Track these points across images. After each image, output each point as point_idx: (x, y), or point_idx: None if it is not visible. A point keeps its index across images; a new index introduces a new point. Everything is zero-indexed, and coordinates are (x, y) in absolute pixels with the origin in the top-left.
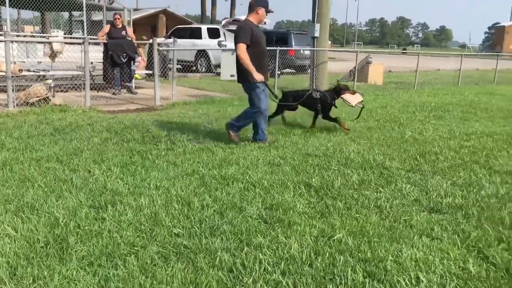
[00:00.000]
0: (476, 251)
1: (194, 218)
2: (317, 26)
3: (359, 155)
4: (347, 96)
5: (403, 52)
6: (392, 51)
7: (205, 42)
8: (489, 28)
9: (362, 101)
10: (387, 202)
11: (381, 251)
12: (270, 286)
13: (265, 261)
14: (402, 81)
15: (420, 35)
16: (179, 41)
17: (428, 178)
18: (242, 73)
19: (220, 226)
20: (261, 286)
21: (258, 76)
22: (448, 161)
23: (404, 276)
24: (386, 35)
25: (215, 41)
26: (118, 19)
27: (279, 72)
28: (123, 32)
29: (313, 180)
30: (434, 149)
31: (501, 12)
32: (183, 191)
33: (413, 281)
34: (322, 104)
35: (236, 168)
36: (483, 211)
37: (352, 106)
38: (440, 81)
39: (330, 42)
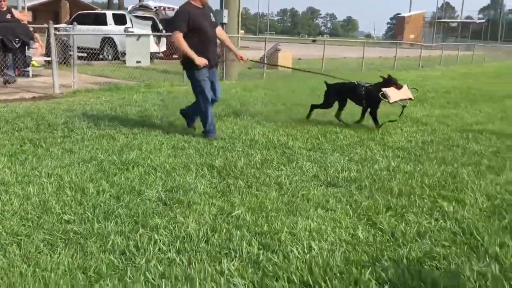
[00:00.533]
0: (366, 219)
1: (87, 204)
2: (225, 12)
3: (263, 137)
4: (388, 90)
5: (313, 41)
6: (302, 39)
7: (111, 28)
8: (391, 19)
9: (407, 99)
10: (287, 179)
11: (277, 224)
12: (164, 264)
13: (160, 241)
14: (311, 68)
15: (329, 25)
16: (82, 27)
17: (328, 155)
18: (183, 62)
19: (115, 210)
20: (154, 265)
21: (200, 61)
22: (347, 139)
23: (297, 246)
24: (297, 25)
25: (122, 27)
26: (2, 1)
27: None
28: (8, 16)
29: (217, 162)
30: (335, 129)
31: (402, 3)
32: (78, 177)
33: (305, 249)
34: (366, 99)
35: (138, 153)
36: (374, 182)
37: (389, 102)
38: (345, 68)
39: (243, 31)
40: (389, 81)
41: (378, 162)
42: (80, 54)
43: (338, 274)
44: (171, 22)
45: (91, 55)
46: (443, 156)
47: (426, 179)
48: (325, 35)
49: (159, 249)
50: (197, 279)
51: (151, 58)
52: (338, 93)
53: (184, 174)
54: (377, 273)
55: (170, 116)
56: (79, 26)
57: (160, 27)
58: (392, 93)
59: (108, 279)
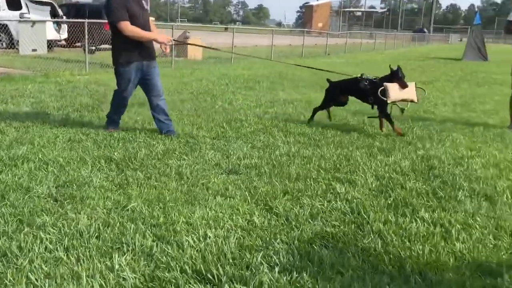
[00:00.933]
0: (263, 204)
1: None
2: None
3: None
4: (390, 87)
5: (225, 29)
6: (214, 27)
7: (4, 14)
8: (301, 7)
9: (409, 100)
10: (189, 168)
11: (174, 214)
12: (50, 264)
13: (47, 239)
14: (221, 55)
15: (241, 13)
16: None
17: (231, 143)
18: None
19: None
20: (38, 265)
21: (163, 38)
22: (251, 127)
23: (193, 235)
24: (209, 12)
25: (16, 13)
26: None
27: (93, 48)
28: None
29: (115, 154)
30: (240, 117)
31: None
32: None
33: (200, 238)
34: (373, 95)
35: (29, 147)
36: (274, 168)
37: (387, 101)
38: (255, 56)
39: (153, 18)
40: (396, 74)
41: (279, 148)
42: None
43: (231, 260)
44: (109, 13)
45: None
46: (340, 140)
47: (323, 163)
48: (237, 22)
49: (45, 248)
50: (85, 277)
51: (51, 46)
52: (341, 91)
53: (79, 168)
54: (269, 256)
55: (68, 107)
56: None
57: (60, 13)
58: (393, 91)
59: None
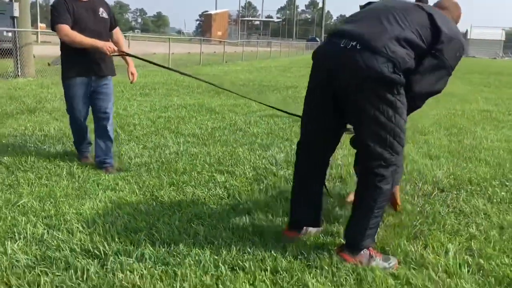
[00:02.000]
0: (149, 194)
1: None
2: (16, 5)
3: (60, 132)
4: None
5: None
6: None
7: None
8: (200, 15)
9: None
10: (80, 168)
11: (65, 207)
12: None
13: None
14: (119, 64)
15: (140, 20)
16: None
17: (124, 145)
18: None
19: None
20: None
21: (104, 45)
22: (144, 130)
23: (82, 222)
24: None
25: None
26: None
27: None
28: None
29: (5, 158)
30: (134, 121)
31: (208, 1)
32: None
33: (89, 224)
34: None
35: None
36: (163, 165)
37: None
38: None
39: (44, 24)
40: None
41: (169, 147)
42: None
43: (116, 239)
44: (50, 17)
45: None
46: (226, 139)
47: (208, 158)
48: (135, 30)
49: None
50: None
51: None
52: None
53: None
54: (151, 234)
55: None
56: None
57: None
58: None
59: None
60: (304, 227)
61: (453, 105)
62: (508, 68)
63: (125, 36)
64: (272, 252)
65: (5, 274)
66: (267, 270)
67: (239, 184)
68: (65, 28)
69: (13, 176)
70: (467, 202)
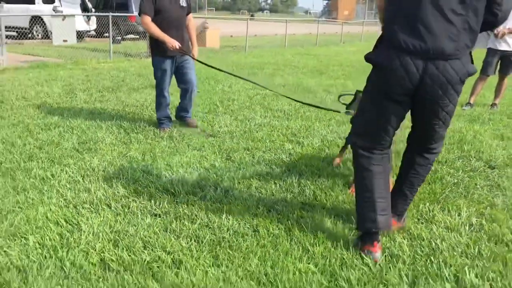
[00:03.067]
0: (225, 155)
1: (16, 151)
2: None
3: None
4: None
5: (250, 18)
6: (239, 17)
7: (38, 7)
8: None
9: None
10: (178, 133)
11: (159, 160)
12: (71, 183)
13: (70, 171)
14: (238, 44)
15: (269, 1)
16: (11, 6)
17: (219, 116)
18: (150, 46)
19: (37, 155)
20: (63, 184)
21: (171, 42)
22: (239, 105)
23: (168, 172)
24: (237, 1)
25: (50, 6)
26: None
27: (119, 38)
28: None
29: (124, 123)
30: (233, 96)
31: None
32: (7, 135)
33: (173, 173)
34: None
35: (59, 117)
36: (245, 133)
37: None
38: (271, 45)
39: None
40: None
41: (255, 120)
42: (8, 33)
43: (190, 183)
44: (140, 4)
45: (21, 34)
46: (309, 115)
47: (285, 130)
48: (265, 11)
49: (69, 176)
50: (93, 190)
51: (81, 37)
52: None
53: (96, 131)
54: (216, 183)
55: (92, 89)
56: (7, 5)
57: (90, 5)
58: None
59: (30, 191)
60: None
61: None
62: None
63: (254, 18)
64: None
65: (108, 200)
66: (294, 213)
67: (303, 151)
68: (146, 18)
69: (127, 136)
70: (510, 179)
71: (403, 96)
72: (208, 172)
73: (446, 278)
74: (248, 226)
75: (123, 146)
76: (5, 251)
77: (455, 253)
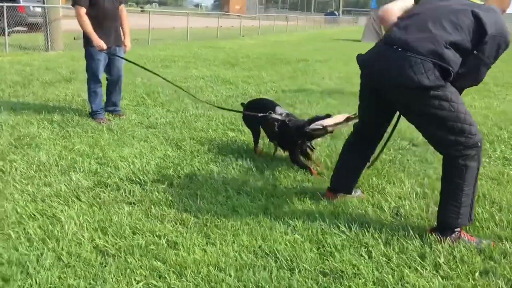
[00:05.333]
0: (174, 144)
1: None
2: None
3: None
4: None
5: (141, 11)
6: (129, 9)
7: None
8: None
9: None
10: (117, 126)
11: (110, 152)
12: (27, 178)
13: (20, 167)
14: (139, 38)
15: None
16: None
17: (150, 109)
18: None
19: None
20: (19, 180)
21: (98, 42)
22: (167, 97)
23: (124, 163)
24: None
25: None
26: None
27: (9, 30)
28: None
29: (55, 117)
30: (157, 89)
31: None
32: None
33: (130, 164)
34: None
35: None
36: (184, 124)
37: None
38: (173, 38)
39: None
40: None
41: (189, 111)
42: None
43: (151, 173)
44: None
45: None
46: (238, 105)
47: (223, 120)
48: (153, 3)
49: (20, 171)
50: (55, 184)
51: None
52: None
53: (27, 127)
54: (177, 170)
55: (1, 84)
56: None
57: None
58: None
59: None
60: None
61: None
62: None
63: (144, 10)
64: (269, 181)
65: (74, 192)
66: (263, 193)
67: (246, 139)
68: (81, 10)
69: (64, 130)
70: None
71: None
72: (164, 161)
73: (413, 237)
74: (226, 208)
75: (64, 140)
76: None
77: (413, 217)
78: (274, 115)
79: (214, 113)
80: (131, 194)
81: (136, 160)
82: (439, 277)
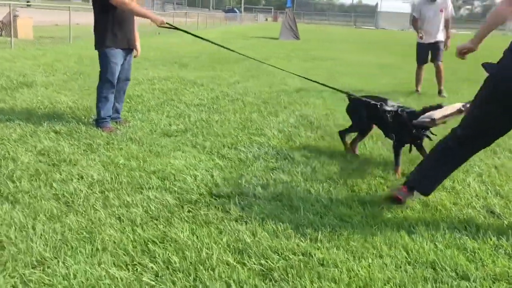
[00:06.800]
0: (215, 152)
1: None
2: None
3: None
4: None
5: (27, 5)
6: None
7: None
8: None
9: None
10: (135, 134)
11: (156, 165)
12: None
13: (84, 189)
14: (56, 35)
15: None
16: None
17: (146, 114)
18: (95, 37)
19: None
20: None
21: (158, 17)
22: (156, 100)
23: (188, 177)
24: None
25: None
26: None
27: None
28: None
29: (57, 127)
30: (135, 92)
31: None
32: None
33: (192, 178)
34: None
35: None
36: (203, 128)
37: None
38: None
39: None
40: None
41: (191, 116)
42: None
43: (224, 187)
44: None
45: None
46: (234, 108)
47: (234, 124)
48: None
49: (85, 194)
50: (139, 203)
51: None
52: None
53: (39, 140)
54: (249, 182)
55: None
56: None
57: None
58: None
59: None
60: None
61: None
62: None
63: (30, 5)
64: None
65: (168, 211)
66: (349, 200)
67: (272, 142)
68: None
69: (82, 142)
70: None
71: None
72: (223, 171)
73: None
74: (333, 218)
75: (93, 154)
76: None
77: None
78: (387, 107)
79: (219, 117)
80: (229, 210)
81: (196, 173)
82: None
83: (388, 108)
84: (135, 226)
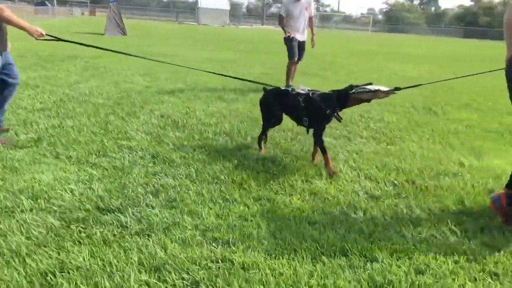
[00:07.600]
0: (85, 162)
1: None
2: None
3: None
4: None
5: None
6: None
7: None
8: None
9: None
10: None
11: (18, 183)
12: None
13: None
14: None
15: None
16: None
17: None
18: None
19: None
20: None
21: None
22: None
23: (59, 191)
24: None
25: None
26: None
27: None
28: None
29: None
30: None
31: None
32: None
33: (68, 193)
34: (309, 113)
35: None
36: (60, 136)
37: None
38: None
39: None
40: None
41: (38, 122)
42: None
43: (104, 200)
44: None
45: None
46: (86, 111)
47: (93, 129)
48: None
49: None
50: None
51: None
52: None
53: None
54: (129, 193)
55: None
56: None
57: None
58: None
59: None
60: None
61: None
62: (247, 35)
63: None
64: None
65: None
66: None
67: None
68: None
69: None
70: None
71: None
72: (110, 179)
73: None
74: (344, 230)
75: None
76: None
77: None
78: (299, 90)
79: (60, 122)
80: (126, 224)
81: (72, 186)
82: None
83: (301, 92)
84: (21, 258)
